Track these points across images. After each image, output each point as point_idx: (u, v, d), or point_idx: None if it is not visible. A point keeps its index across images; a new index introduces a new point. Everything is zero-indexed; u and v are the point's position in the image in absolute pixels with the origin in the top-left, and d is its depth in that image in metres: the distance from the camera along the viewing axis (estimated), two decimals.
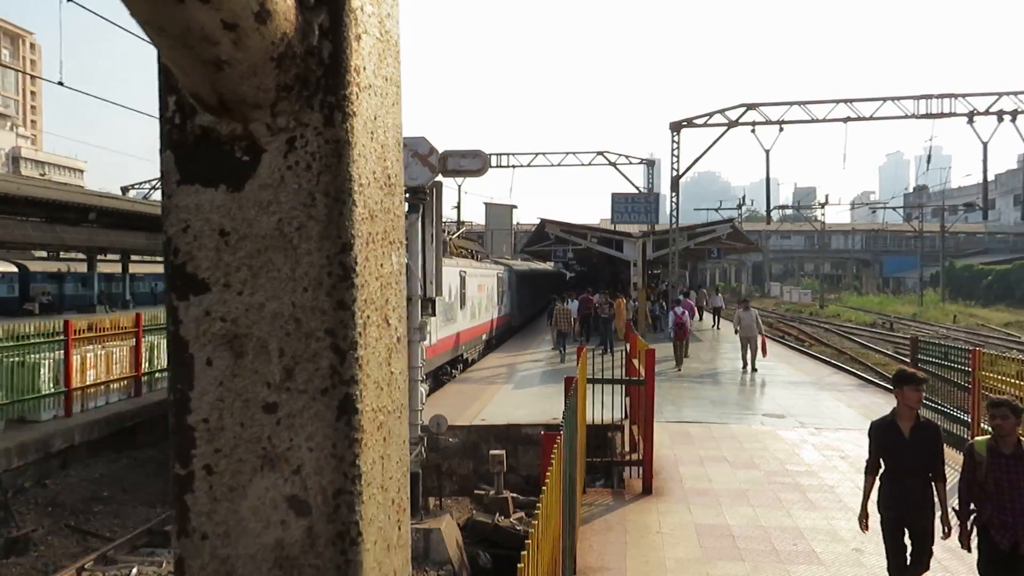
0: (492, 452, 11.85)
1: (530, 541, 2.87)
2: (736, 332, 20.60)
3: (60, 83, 17.54)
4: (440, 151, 10.32)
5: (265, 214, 1.23)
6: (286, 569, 1.24)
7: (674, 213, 31.47)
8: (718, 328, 33.77)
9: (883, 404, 15.69)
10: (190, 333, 1.25)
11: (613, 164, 40.14)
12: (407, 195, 10.24)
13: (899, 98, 29.45)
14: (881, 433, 5.80)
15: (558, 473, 4.30)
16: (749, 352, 20.01)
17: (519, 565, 2.63)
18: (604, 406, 11.07)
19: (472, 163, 10.57)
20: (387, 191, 1.34)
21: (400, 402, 1.37)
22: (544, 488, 3.55)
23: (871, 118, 29.64)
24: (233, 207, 1.24)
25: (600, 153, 40.33)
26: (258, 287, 1.24)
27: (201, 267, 1.25)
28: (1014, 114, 28.53)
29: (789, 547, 7.70)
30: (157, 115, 1.27)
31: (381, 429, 1.29)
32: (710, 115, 30.76)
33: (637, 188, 39.47)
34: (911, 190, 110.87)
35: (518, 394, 16.86)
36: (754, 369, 19.77)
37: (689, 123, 30.96)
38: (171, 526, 1.28)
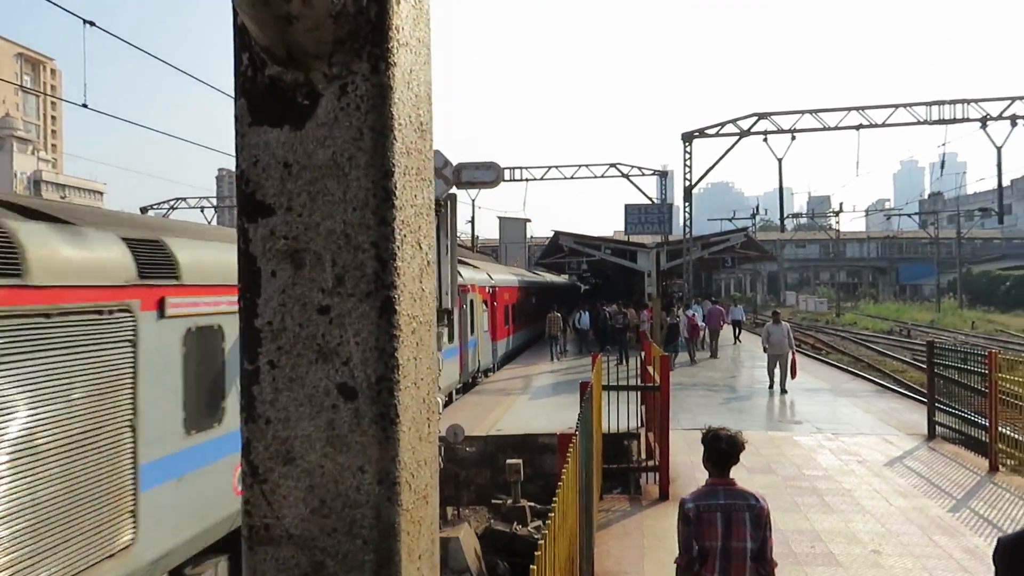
0: (509, 462, 11.88)
1: (546, 535, 2.94)
2: (764, 349, 18.39)
3: (84, 105, 17.85)
4: (454, 164, 10.45)
5: (321, 148, 1.48)
6: (336, 446, 1.47)
7: (687, 223, 31.47)
8: (739, 341, 31.51)
9: (900, 409, 15.63)
10: (257, 250, 1.49)
11: (626, 176, 40.21)
12: None
13: (911, 104, 29.38)
14: (1013, 560, 3.30)
15: (574, 471, 4.36)
16: (778, 371, 17.94)
17: (535, 554, 2.69)
18: (620, 415, 11.13)
19: (486, 175, 10.68)
20: (420, 134, 1.60)
21: (429, 317, 1.62)
22: (560, 485, 3.61)
23: (883, 125, 29.58)
24: (295, 143, 1.49)
25: (613, 165, 40.42)
26: (315, 209, 1.48)
27: (268, 194, 1.50)
28: None
29: (807, 549, 7.70)
30: (230, 77, 1.56)
31: (415, 334, 1.55)
32: (722, 125, 30.81)
33: (650, 199, 39.48)
34: (926, 196, 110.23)
35: (534, 404, 16.90)
36: (783, 391, 17.69)
37: (701, 133, 31.02)
38: (240, 414, 1.51)
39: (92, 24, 14.08)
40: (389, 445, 1.45)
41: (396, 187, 1.46)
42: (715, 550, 3.92)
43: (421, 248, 1.60)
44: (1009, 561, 3.28)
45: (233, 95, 1.53)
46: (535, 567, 2.59)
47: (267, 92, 1.49)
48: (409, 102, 1.53)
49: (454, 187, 10.45)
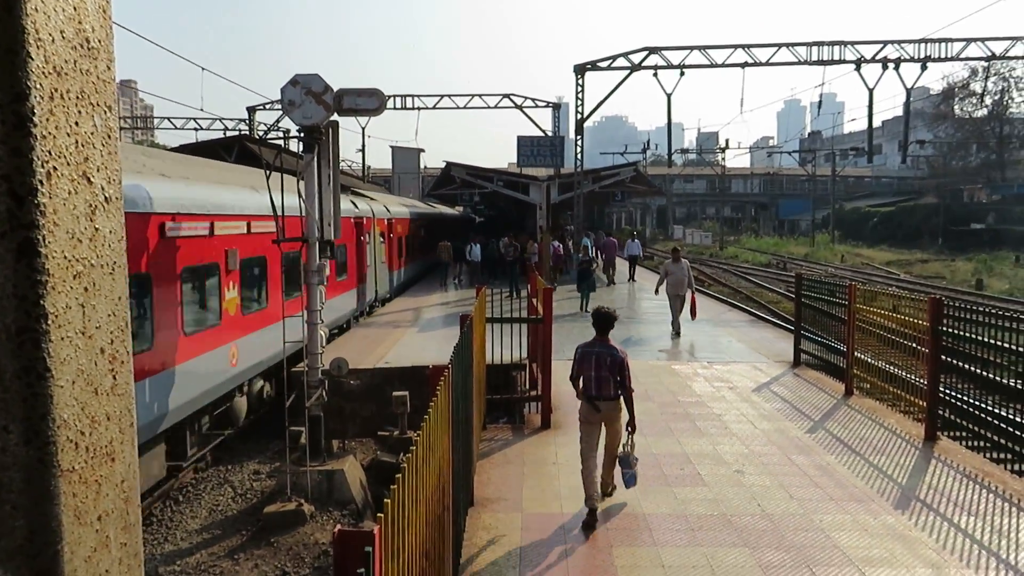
0: (395, 394, 11.90)
1: (404, 468, 2.94)
2: (656, 291, 17.76)
3: None
4: (335, 89, 10.06)
5: None
6: None
7: (579, 157, 31.71)
8: (634, 280, 29.77)
9: (772, 339, 16.51)
10: None
11: (519, 107, 40.01)
12: (301, 134, 9.97)
13: (793, 44, 30.27)
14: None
15: (444, 402, 4.39)
16: (680, 310, 16.89)
17: (391, 487, 2.68)
18: (511, 347, 11.28)
19: (369, 102, 10.33)
20: (83, 53, 1.37)
21: (112, 260, 1.42)
22: (426, 418, 3.62)
23: (767, 64, 30.41)
24: None
25: (506, 96, 40.09)
26: None
27: None
28: (897, 62, 29.81)
29: (677, 472, 8.11)
30: None
31: (80, 279, 1.34)
32: (614, 58, 30.91)
33: (543, 132, 39.52)
34: (807, 135, 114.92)
35: (423, 337, 16.91)
36: (677, 333, 16.70)
37: (593, 66, 31.04)
38: None
39: None
40: (38, 402, 1.28)
41: (36, 112, 1.24)
42: (589, 377, 7.06)
43: (91, 182, 1.39)
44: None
45: None
46: (389, 501, 2.59)
47: None
48: (60, 13, 1.30)
49: (335, 114, 10.08)
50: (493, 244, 30.42)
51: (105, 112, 1.42)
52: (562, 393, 11.26)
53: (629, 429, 7.23)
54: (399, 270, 26.12)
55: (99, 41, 1.39)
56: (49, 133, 1.25)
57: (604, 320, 7.21)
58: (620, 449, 7.26)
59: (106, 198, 1.40)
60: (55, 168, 1.27)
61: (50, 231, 1.26)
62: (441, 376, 4.63)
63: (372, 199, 23.34)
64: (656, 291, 17.55)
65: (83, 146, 1.35)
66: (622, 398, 7.08)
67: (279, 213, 9.56)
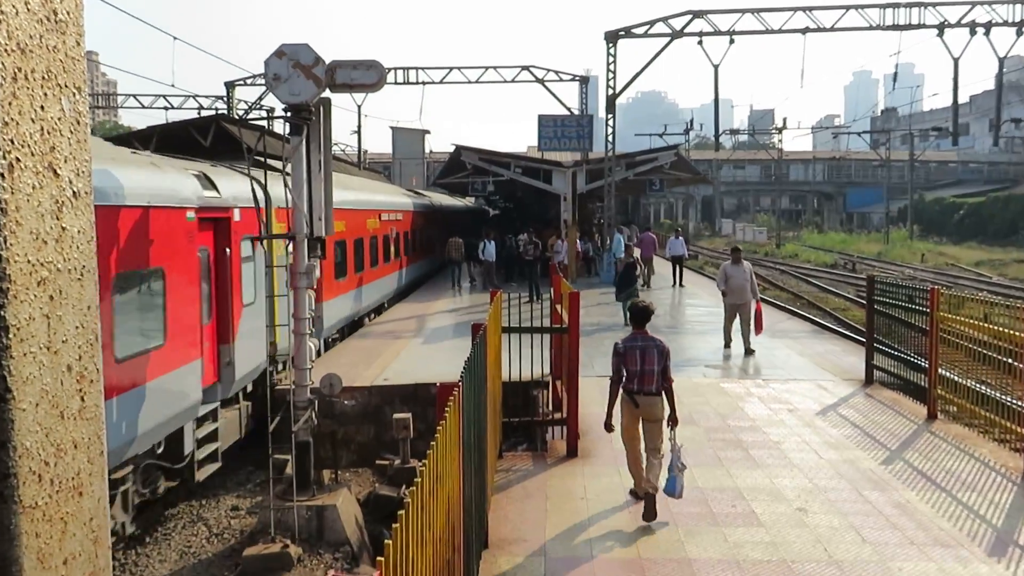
0: (396, 416, 11.91)
1: (409, 503, 2.93)
2: (722, 295, 16.65)
3: None
4: (328, 62, 10.10)
5: None
6: None
7: (611, 138, 31.68)
8: (680, 285, 29.04)
9: (838, 352, 16.39)
10: None
11: (541, 81, 40.06)
12: (287, 113, 10.02)
13: (864, 6, 30.11)
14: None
15: (454, 426, 4.38)
16: (740, 324, 16.31)
17: (393, 526, 2.67)
18: (531, 362, 11.22)
19: (367, 75, 10.36)
20: (50, 27, 1.35)
21: (80, 264, 1.38)
22: (433, 444, 3.61)
23: (832, 29, 30.27)
24: None
25: (526, 68, 40.15)
26: None
27: None
28: (988, 26, 29.54)
29: (727, 509, 8.05)
30: None
31: (45, 286, 1.29)
32: (651, 24, 30.88)
33: (570, 110, 39.54)
34: (879, 113, 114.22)
35: (429, 348, 16.94)
36: (750, 351, 16.09)
37: (628, 33, 31.03)
38: None
39: None
40: None
41: None
42: (634, 372, 8.00)
43: (58, 175, 1.35)
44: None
45: None
46: (390, 542, 2.57)
47: None
48: None
49: (327, 90, 10.12)
50: (510, 241, 30.47)
51: (74, 94, 1.39)
52: (590, 416, 11.22)
53: (671, 424, 8.05)
54: (396, 272, 26.10)
55: (68, 12, 1.37)
56: (12, 119, 1.22)
57: (643, 313, 8.30)
58: (667, 448, 8.04)
59: (74, 193, 1.38)
60: (18, 159, 1.24)
61: (12, 231, 1.23)
62: (450, 395, 4.63)
63: (358, 189, 22.97)
64: (724, 293, 16.50)
65: (49, 134, 1.32)
66: (664, 392, 8.03)
67: (261, 204, 9.61)
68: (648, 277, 28.81)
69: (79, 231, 1.36)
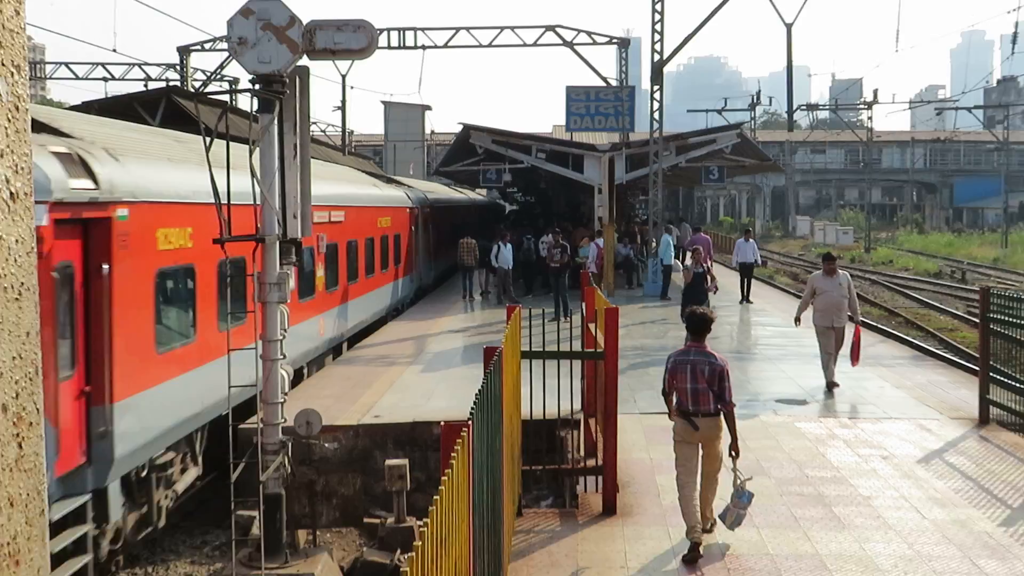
0: (389, 463, 11.89)
1: (405, 573, 2.91)
2: (807, 315, 16.14)
3: None
4: (305, 22, 10.16)
5: None
6: None
7: (656, 115, 31.66)
8: (748, 300, 28.70)
9: (945, 383, 16.29)
10: None
11: (569, 44, 40.11)
12: (255, 85, 10.06)
13: None
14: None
15: (463, 476, 4.37)
16: (834, 349, 15.71)
17: None
18: (557, 395, 11.13)
19: (353, 39, 10.40)
20: None
21: (19, 281, 1.40)
22: (435, 499, 3.61)
23: None
24: None
25: (551, 28, 40.21)
26: None
27: None
28: None
29: None
30: None
31: None
32: None
33: (606, 80, 39.56)
34: (994, 83, 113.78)
35: (431, 377, 16.96)
36: (833, 384, 15.68)
37: None
38: None
39: None
40: None
41: None
42: (684, 390, 8.62)
43: None
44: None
45: None
46: None
47: None
48: None
49: (305, 57, 10.17)
50: (531, 243, 30.49)
51: (12, 74, 1.40)
52: (633, 463, 11.19)
53: (732, 454, 8.73)
54: (391, 283, 26.11)
55: None
56: None
57: (700, 323, 8.96)
58: (734, 481, 8.76)
59: (12, 194, 1.38)
60: None
61: None
62: (457, 437, 4.62)
63: (346, 180, 23.05)
64: (797, 320, 16.28)
65: None
66: (722, 415, 8.66)
67: (223, 200, 9.64)
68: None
69: (17, 241, 1.38)
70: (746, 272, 29.07)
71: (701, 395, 8.56)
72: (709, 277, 20.60)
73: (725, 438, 8.72)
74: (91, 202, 10.21)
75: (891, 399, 15.13)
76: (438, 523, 3.66)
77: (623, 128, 33.34)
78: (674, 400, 8.81)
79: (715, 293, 21.05)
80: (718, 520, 8.91)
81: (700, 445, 8.71)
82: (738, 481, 8.69)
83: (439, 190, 43.86)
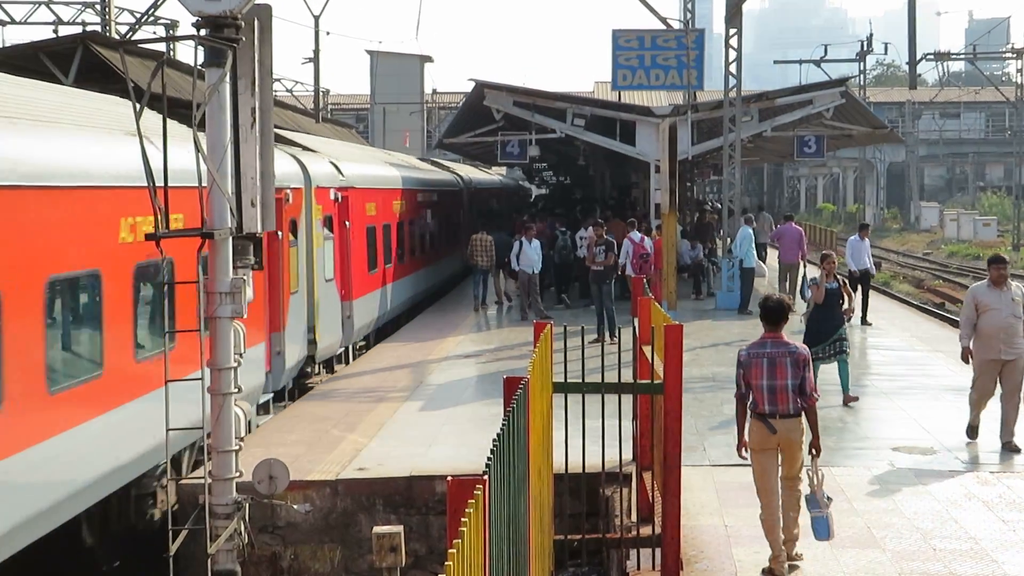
0: (378, 531, 11.93)
1: None
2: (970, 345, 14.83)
3: None
4: None
5: None
6: None
7: (732, 66, 31.56)
8: (867, 322, 27.81)
9: None
10: None
11: None
12: (200, 31, 10.11)
13: None
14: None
15: (477, 548, 4.38)
16: (1005, 398, 14.69)
17: None
18: (602, 442, 11.13)
19: None
20: None
21: None
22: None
23: None
24: None
25: None
26: None
27: None
28: None
29: None
30: None
31: None
32: None
33: (665, 23, 39.53)
34: None
35: (432, 417, 16.95)
36: (1015, 448, 14.52)
37: None
38: None
39: None
40: None
41: None
42: (760, 387, 9.51)
43: None
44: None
45: None
46: None
47: None
48: None
49: None
50: (566, 239, 30.38)
51: None
52: (701, 529, 11.17)
53: (813, 452, 9.69)
54: (372, 294, 25.90)
55: None
56: None
57: (776, 312, 9.90)
58: (806, 483, 9.63)
59: None
60: None
61: None
62: (469, 497, 4.63)
63: (313, 150, 22.67)
64: (967, 353, 14.91)
65: None
66: (804, 415, 9.62)
67: (157, 182, 9.70)
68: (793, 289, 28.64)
69: None
70: (862, 282, 27.98)
71: (779, 393, 9.47)
72: (846, 296, 18.40)
73: (805, 439, 9.75)
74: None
75: None
76: None
77: (689, 85, 33.24)
78: (749, 400, 9.75)
79: (850, 320, 18.66)
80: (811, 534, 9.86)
81: (779, 451, 9.63)
82: (813, 482, 9.54)
83: (473, 173, 44.82)
